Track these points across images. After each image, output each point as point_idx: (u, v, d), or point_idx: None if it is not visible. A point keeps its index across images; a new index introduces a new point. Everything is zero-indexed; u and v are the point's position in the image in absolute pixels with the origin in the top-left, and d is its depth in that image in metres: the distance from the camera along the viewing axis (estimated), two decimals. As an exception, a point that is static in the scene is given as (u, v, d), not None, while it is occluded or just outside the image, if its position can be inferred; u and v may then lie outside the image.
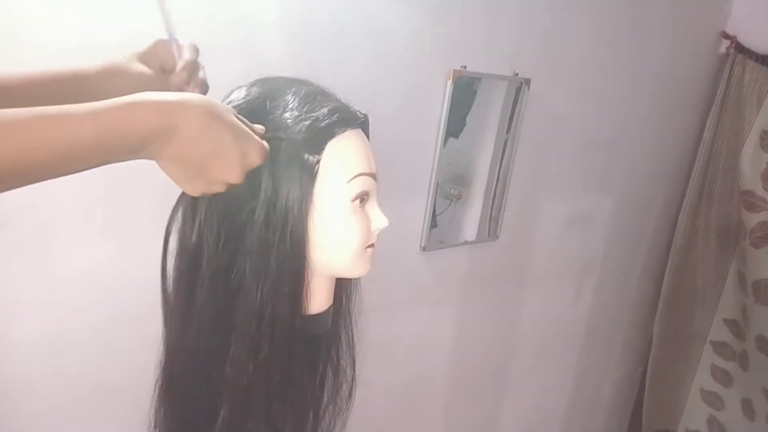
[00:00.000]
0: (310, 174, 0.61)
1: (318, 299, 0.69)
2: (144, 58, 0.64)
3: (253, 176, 0.59)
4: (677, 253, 2.24)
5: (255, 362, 0.62)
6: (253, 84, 0.66)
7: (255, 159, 0.56)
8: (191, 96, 0.52)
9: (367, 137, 0.69)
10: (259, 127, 0.60)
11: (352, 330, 0.79)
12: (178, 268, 0.65)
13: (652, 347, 2.38)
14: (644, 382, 2.45)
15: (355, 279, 0.77)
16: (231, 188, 0.57)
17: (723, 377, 2.26)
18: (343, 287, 0.77)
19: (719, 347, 2.25)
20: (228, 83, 0.67)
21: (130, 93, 0.55)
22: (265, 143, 0.57)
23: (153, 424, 0.70)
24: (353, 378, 0.80)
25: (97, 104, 0.46)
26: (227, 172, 0.54)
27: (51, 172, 0.45)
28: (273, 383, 0.64)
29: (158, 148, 0.50)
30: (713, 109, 2.07)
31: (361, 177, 0.64)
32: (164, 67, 0.65)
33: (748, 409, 2.22)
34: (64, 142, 0.44)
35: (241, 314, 0.62)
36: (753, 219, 2.05)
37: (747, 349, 2.17)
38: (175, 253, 0.65)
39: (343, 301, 0.77)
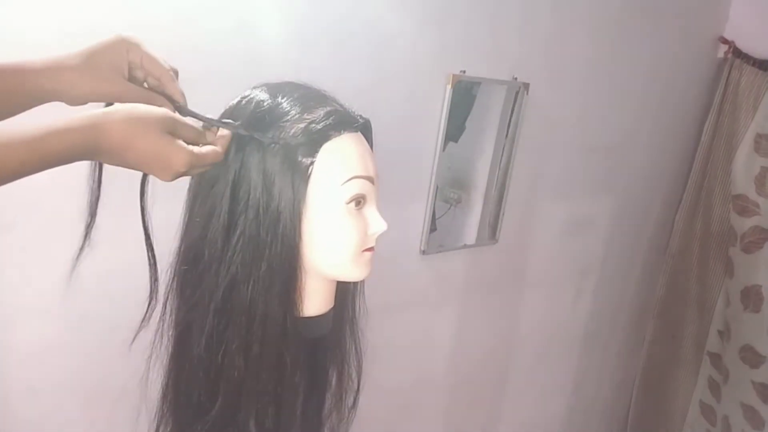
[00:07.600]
0: (303, 176, 0.61)
1: (315, 301, 0.69)
2: (115, 59, 0.61)
3: (246, 177, 0.61)
4: (672, 256, 2.24)
5: (247, 359, 0.63)
6: (253, 88, 0.66)
7: (179, 168, 0.57)
8: (113, 114, 0.55)
9: (370, 141, 0.69)
10: (225, 133, 0.61)
11: (358, 337, 0.78)
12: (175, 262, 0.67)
13: (644, 350, 2.39)
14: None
15: (358, 283, 0.76)
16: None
17: (716, 391, 2.24)
18: (347, 291, 0.76)
19: (714, 359, 2.23)
20: (230, 89, 0.67)
21: (84, 89, 0.60)
22: (194, 150, 0.58)
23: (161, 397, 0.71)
24: (358, 387, 0.79)
25: (31, 132, 0.51)
26: (159, 176, 0.58)
27: None
28: (264, 382, 0.64)
29: (93, 158, 0.57)
30: (711, 113, 2.07)
31: (356, 180, 0.64)
32: (151, 82, 0.63)
33: (725, 426, 2.18)
34: (4, 169, 0.50)
35: (234, 311, 0.63)
36: (745, 223, 2.03)
37: (727, 361, 2.14)
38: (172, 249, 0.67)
39: (348, 306, 0.77)
